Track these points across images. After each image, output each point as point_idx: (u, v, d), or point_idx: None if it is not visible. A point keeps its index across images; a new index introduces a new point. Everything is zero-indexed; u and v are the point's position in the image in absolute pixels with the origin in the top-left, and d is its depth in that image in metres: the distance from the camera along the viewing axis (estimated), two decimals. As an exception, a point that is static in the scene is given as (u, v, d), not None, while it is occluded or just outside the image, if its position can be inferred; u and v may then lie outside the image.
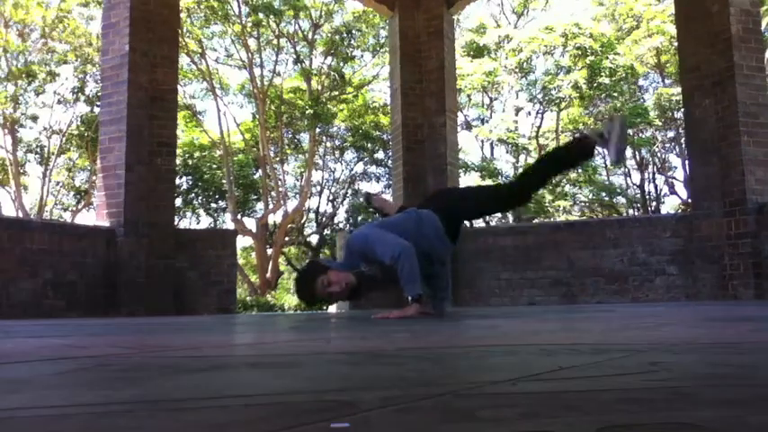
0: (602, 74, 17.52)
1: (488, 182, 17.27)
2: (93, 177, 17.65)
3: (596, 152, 4.04)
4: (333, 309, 8.02)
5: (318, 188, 21.41)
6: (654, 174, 21.36)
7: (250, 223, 19.98)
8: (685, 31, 6.90)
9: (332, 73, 19.36)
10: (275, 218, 19.90)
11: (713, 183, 6.41)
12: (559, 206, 18.21)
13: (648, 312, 3.88)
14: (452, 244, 3.88)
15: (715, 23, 6.47)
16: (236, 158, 19.59)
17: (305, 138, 20.58)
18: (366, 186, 21.76)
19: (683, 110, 7.57)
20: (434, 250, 3.78)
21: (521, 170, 4.33)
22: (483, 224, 17.62)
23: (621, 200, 20.55)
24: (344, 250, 3.88)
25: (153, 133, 6.49)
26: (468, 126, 19.84)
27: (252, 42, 18.52)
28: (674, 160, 20.64)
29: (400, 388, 1.05)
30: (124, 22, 6.47)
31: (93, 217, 7.18)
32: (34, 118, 19.57)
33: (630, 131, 18.89)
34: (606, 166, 22.19)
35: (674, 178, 20.82)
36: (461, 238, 4.08)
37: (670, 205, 21.94)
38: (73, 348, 2.01)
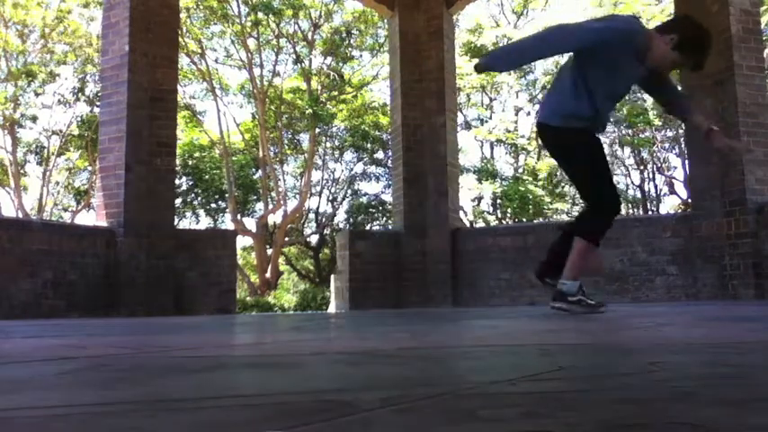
0: (602, 74, 17.44)
1: (488, 183, 17.21)
2: (93, 178, 17.64)
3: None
4: (332, 308, 8.02)
5: (318, 188, 21.41)
6: (654, 174, 21.34)
7: (250, 223, 19.98)
8: (685, 31, 6.89)
9: (331, 73, 19.35)
10: (275, 218, 19.90)
11: (713, 183, 6.40)
12: (557, 208, 18.17)
13: (648, 312, 3.88)
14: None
15: (715, 23, 6.46)
16: (235, 158, 19.57)
17: (305, 138, 20.56)
18: (366, 186, 21.69)
19: (682, 110, 7.55)
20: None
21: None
22: (483, 224, 17.63)
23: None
24: None
25: (153, 133, 6.48)
26: (468, 126, 19.82)
27: (251, 42, 18.51)
28: (674, 160, 20.60)
29: (400, 388, 1.05)
30: (124, 22, 6.46)
31: (93, 217, 7.17)
32: (34, 118, 19.55)
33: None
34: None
35: (674, 178, 20.80)
36: None
37: (670, 205, 21.91)
38: (72, 348, 2.00)
